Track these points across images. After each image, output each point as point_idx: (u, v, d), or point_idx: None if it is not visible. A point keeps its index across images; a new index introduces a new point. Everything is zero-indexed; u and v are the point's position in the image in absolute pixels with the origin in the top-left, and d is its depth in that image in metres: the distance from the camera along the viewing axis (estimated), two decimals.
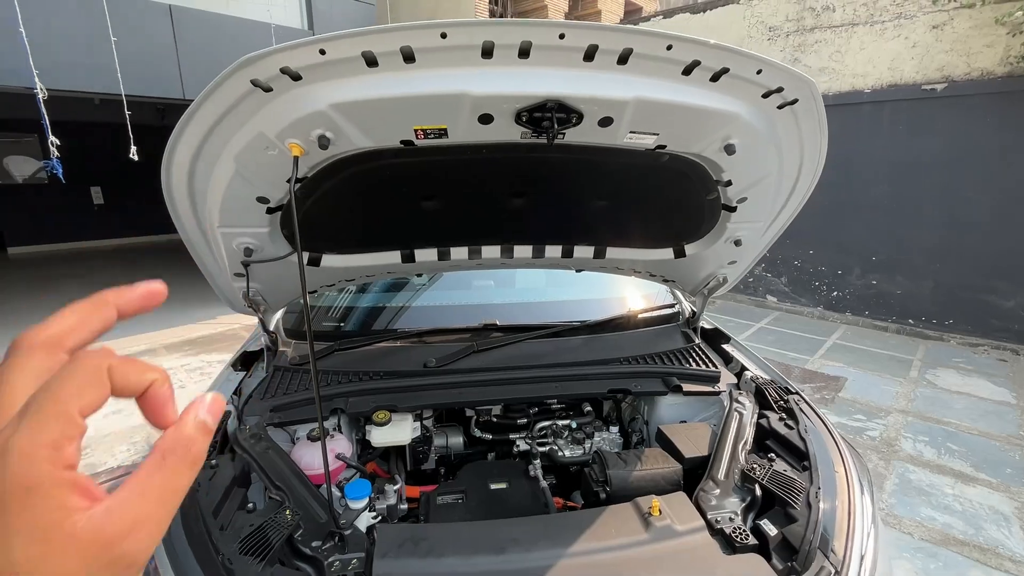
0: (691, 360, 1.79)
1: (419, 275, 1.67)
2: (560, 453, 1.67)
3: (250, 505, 1.16)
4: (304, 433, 1.48)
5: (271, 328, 1.75)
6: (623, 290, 2.18)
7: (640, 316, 2.02)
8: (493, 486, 1.51)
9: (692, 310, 2.09)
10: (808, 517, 1.12)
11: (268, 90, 0.91)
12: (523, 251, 1.59)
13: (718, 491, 1.26)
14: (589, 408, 1.80)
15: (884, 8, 5.05)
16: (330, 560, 1.04)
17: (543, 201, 1.39)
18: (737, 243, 1.58)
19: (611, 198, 1.39)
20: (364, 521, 1.23)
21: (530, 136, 1.03)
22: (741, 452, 1.39)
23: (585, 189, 1.35)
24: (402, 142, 1.03)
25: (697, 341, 1.92)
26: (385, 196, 1.28)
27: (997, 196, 4.68)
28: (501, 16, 8.40)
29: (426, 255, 1.55)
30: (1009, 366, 4.53)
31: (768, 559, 1.07)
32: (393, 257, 1.54)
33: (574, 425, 1.70)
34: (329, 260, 1.49)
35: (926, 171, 4.98)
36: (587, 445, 1.70)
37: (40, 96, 3.53)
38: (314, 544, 1.07)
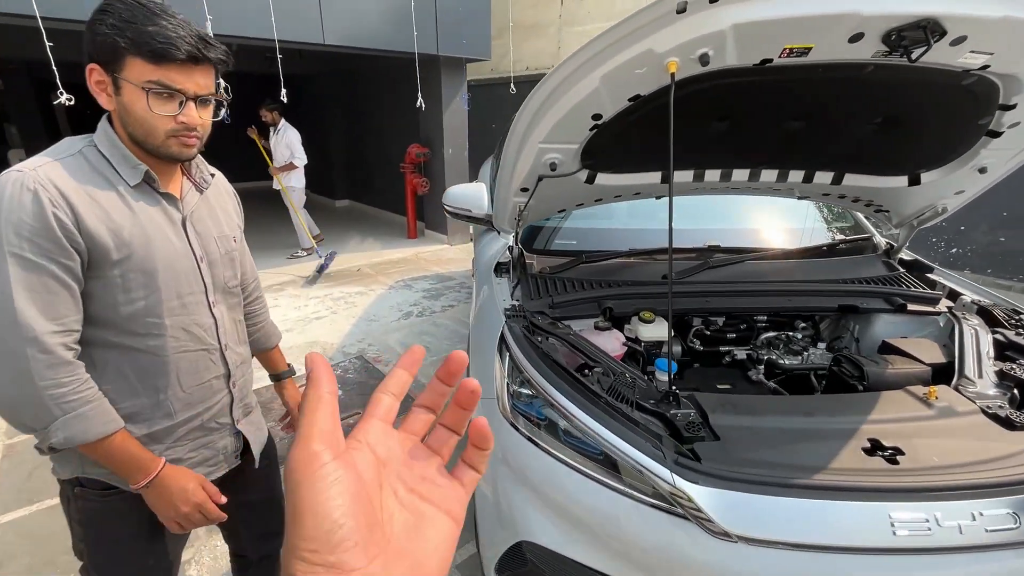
0: (901, 284, 1.91)
1: (659, 197, 1.85)
2: (781, 361, 1.86)
3: (586, 370, 1.42)
4: (578, 326, 1.73)
5: (517, 243, 2.00)
6: (820, 220, 2.30)
7: (841, 246, 2.14)
8: (720, 386, 1.74)
9: (888, 243, 2.19)
10: None
11: (682, 11, 1.08)
12: (768, 175, 1.73)
13: (976, 387, 1.42)
14: (803, 324, 1.97)
15: None
16: (671, 412, 1.28)
17: (820, 124, 1.51)
18: (982, 171, 1.66)
19: (887, 121, 1.50)
20: None
21: (881, 56, 1.15)
22: (987, 358, 1.53)
23: (869, 111, 1.46)
24: (762, 60, 1.19)
25: (901, 270, 2.03)
26: (693, 114, 1.45)
27: None
28: None
29: (684, 176, 1.72)
30: None
31: None
32: (654, 177, 1.72)
33: (799, 336, 1.88)
34: (602, 179, 1.69)
35: None
36: (803, 356, 1.89)
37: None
38: (651, 401, 1.32)
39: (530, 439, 1.26)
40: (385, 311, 4.44)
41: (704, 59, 1.15)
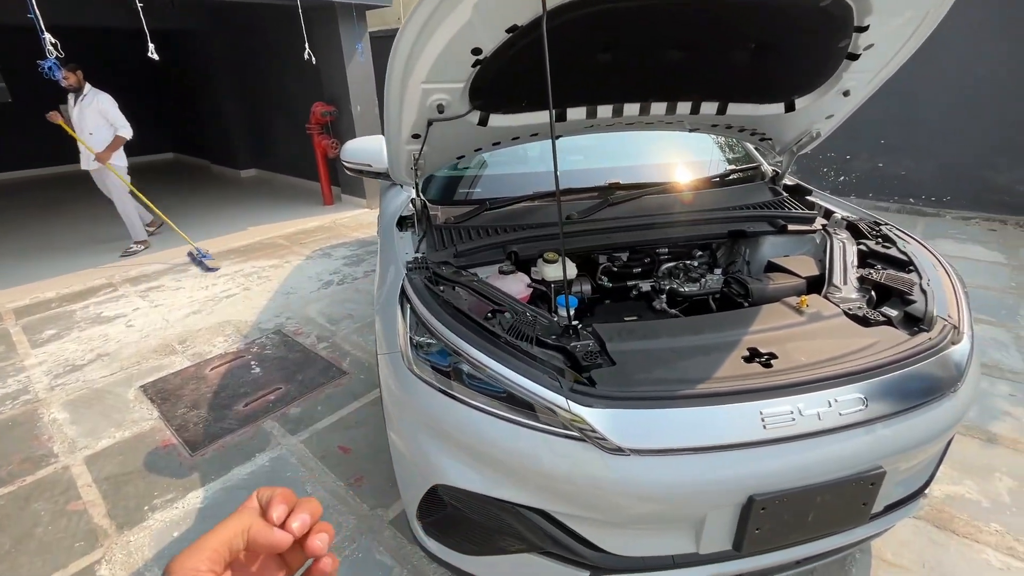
0: (784, 208, 2.05)
1: (557, 136, 1.83)
2: (682, 289, 1.97)
3: (488, 313, 1.42)
4: (484, 272, 1.72)
5: (419, 195, 1.93)
6: (713, 153, 2.39)
7: (732, 176, 2.25)
8: (627, 318, 1.81)
9: (774, 170, 2.33)
10: (925, 298, 1.44)
11: None
12: (658, 108, 1.76)
13: (841, 292, 1.57)
14: (700, 253, 2.08)
15: None
16: (571, 345, 1.32)
17: (697, 53, 1.54)
18: (846, 94, 1.77)
19: (755, 47, 1.55)
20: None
21: None
22: (851, 267, 1.69)
23: (738, 37, 1.50)
24: None
25: (784, 194, 2.18)
26: (573, 47, 1.42)
27: (1008, 71, 4.87)
28: None
29: (576, 114, 1.71)
30: (999, 234, 5.00)
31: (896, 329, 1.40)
32: (547, 116, 1.70)
33: (696, 264, 1.99)
34: (495, 120, 1.65)
35: (943, 48, 5.10)
36: (701, 283, 2.00)
37: None
38: (553, 337, 1.35)
39: (434, 386, 1.25)
40: (303, 282, 4.23)
41: None
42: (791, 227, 1.92)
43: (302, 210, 6.36)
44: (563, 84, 1.60)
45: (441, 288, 1.47)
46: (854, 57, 1.62)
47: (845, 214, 2.03)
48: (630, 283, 2.05)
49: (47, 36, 3.10)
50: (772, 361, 1.26)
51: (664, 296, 1.95)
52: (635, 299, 2.04)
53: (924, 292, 1.46)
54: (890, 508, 1.34)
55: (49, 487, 2.17)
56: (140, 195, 4.85)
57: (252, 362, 3.05)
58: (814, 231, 1.94)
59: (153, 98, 9.96)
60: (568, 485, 1.11)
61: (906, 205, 5.72)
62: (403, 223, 1.96)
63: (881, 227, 1.86)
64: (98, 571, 1.79)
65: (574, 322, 1.51)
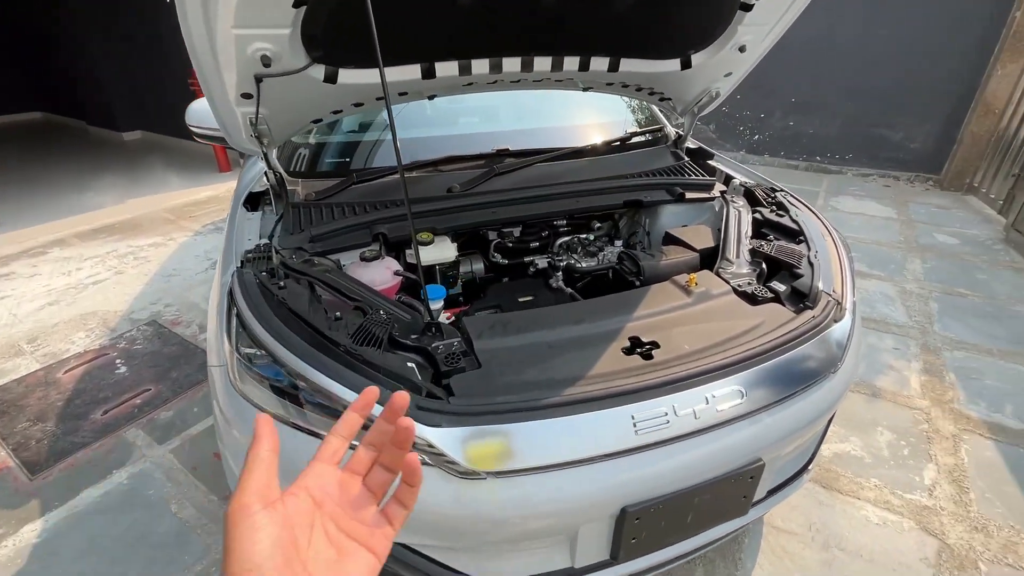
0: (685, 174, 1.94)
1: (431, 97, 1.59)
2: (578, 265, 1.83)
3: (336, 314, 1.20)
4: (347, 260, 1.49)
5: (273, 167, 1.64)
6: (611, 115, 2.23)
7: (633, 140, 2.11)
8: (521, 299, 1.66)
9: (677, 132, 2.21)
10: (812, 272, 1.37)
11: None
12: (543, 64, 1.55)
13: (733, 267, 1.49)
14: (599, 224, 1.94)
15: None
16: (433, 345, 1.14)
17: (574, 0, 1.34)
18: (742, 49, 1.65)
19: None
20: (441, 319, 1.33)
21: None
22: (744, 238, 1.61)
23: None
24: None
25: (686, 159, 2.07)
26: None
27: (908, 29, 5.04)
28: None
29: (447, 69, 1.47)
30: (892, 190, 5.31)
31: (782, 306, 1.33)
32: (412, 72, 1.45)
33: (592, 238, 1.85)
34: (347, 76, 1.38)
35: (851, 6, 5.18)
36: (599, 257, 1.87)
37: None
38: (413, 336, 1.17)
39: (259, 408, 1.04)
40: (189, 262, 3.76)
41: None
42: (689, 195, 1.81)
43: (193, 178, 5.67)
44: (421, 33, 1.36)
45: (282, 284, 1.23)
46: (747, 8, 1.48)
47: (743, 179, 1.95)
48: (527, 259, 1.89)
49: None
50: (653, 352, 1.15)
51: (560, 273, 1.81)
52: (533, 276, 1.89)
53: (811, 265, 1.40)
54: (773, 491, 1.30)
55: None
56: None
57: (117, 360, 2.66)
58: (713, 198, 1.85)
59: (6, 40, 8.43)
60: (415, 515, 0.95)
61: (813, 163, 5.94)
62: (254, 201, 1.67)
63: (776, 194, 1.80)
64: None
65: (446, 315, 1.33)
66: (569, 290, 1.76)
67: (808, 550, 1.69)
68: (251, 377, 1.07)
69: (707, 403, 1.04)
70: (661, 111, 2.25)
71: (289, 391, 1.03)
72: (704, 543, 1.23)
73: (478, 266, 1.85)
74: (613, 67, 1.65)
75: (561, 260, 1.86)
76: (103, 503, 1.88)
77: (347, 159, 1.83)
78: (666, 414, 1.01)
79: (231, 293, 1.20)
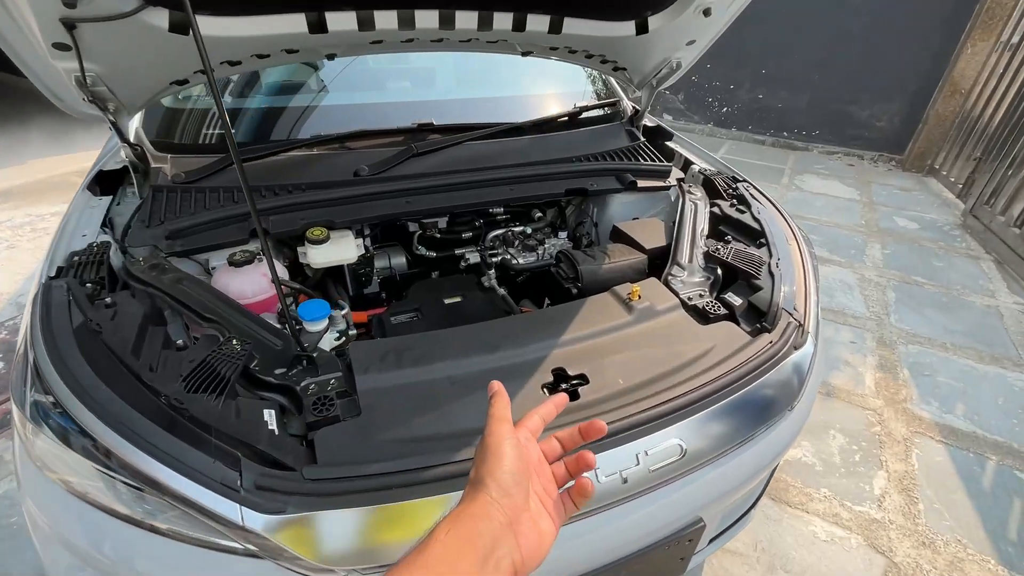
0: (639, 157, 1.71)
1: (330, 57, 1.28)
2: (515, 261, 1.60)
3: (179, 342, 0.93)
4: (219, 262, 1.21)
5: (131, 138, 1.31)
6: (562, 85, 1.95)
7: (584, 116, 1.85)
8: (447, 301, 1.42)
9: (634, 107, 1.96)
10: (772, 285, 1.18)
11: None
12: (467, 20, 1.26)
13: (684, 273, 1.28)
14: (540, 214, 1.70)
15: None
16: (304, 384, 0.90)
17: None
18: (706, 12, 1.39)
19: None
20: (327, 343, 1.09)
21: None
22: (700, 238, 1.41)
23: None
24: None
25: (642, 139, 1.83)
26: None
27: (878, 4, 4.85)
28: None
29: (341, 22, 1.16)
30: (855, 169, 5.24)
31: (737, 324, 1.14)
32: (296, 24, 1.14)
33: (529, 231, 1.61)
34: (208, 26, 1.06)
35: None
36: (540, 251, 1.64)
37: None
38: (278, 372, 0.92)
39: (48, 474, 0.78)
40: None
41: None
42: (642, 183, 1.58)
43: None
44: None
45: (109, 302, 0.95)
46: None
47: (704, 166, 1.73)
48: (458, 251, 1.64)
49: None
50: (580, 389, 0.94)
51: (493, 271, 1.57)
52: (464, 272, 1.64)
53: (772, 276, 1.21)
54: (713, 539, 1.14)
55: None
56: None
57: None
58: (668, 187, 1.63)
59: None
60: None
61: (780, 139, 5.81)
62: (105, 181, 1.34)
63: (738, 185, 1.59)
64: None
65: (334, 336, 1.08)
66: (502, 291, 1.54)
67: (752, 573, 1.58)
68: (45, 436, 0.80)
69: (638, 462, 0.84)
70: (617, 82, 1.99)
71: (97, 460, 0.77)
72: None
73: (398, 260, 1.59)
74: (555, 28, 1.37)
75: (495, 255, 1.62)
76: None
77: (239, 130, 1.50)
78: None
79: (33, 315, 0.91)
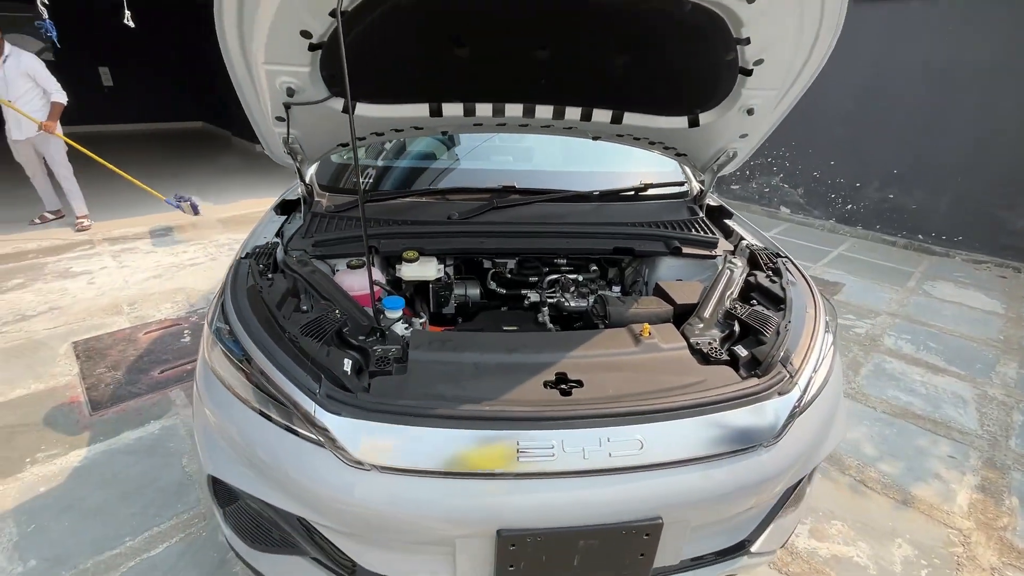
0: (693, 229, 1.93)
1: (445, 133, 1.77)
2: (567, 304, 1.87)
3: (304, 308, 1.37)
4: (341, 265, 1.68)
5: (307, 180, 1.90)
6: (635, 165, 2.27)
7: (650, 191, 2.14)
8: (505, 328, 1.74)
9: (700, 188, 2.20)
10: (775, 341, 1.31)
11: None
12: (544, 112, 1.67)
13: (702, 325, 1.46)
14: (595, 268, 1.98)
15: None
16: (373, 348, 1.27)
17: (566, 54, 1.45)
18: (750, 112, 1.64)
19: (632, 53, 1.45)
20: (398, 329, 1.46)
21: None
22: (727, 300, 1.57)
23: (606, 40, 1.40)
24: None
25: (701, 215, 2.05)
26: (420, 37, 1.35)
27: None
28: None
29: (453, 110, 1.64)
30: (1008, 282, 4.64)
31: (735, 371, 1.28)
32: (422, 110, 1.64)
33: (580, 279, 1.89)
34: (362, 109, 1.60)
35: (965, 78, 4.75)
36: (591, 299, 1.90)
37: None
38: (360, 337, 1.30)
39: (211, 369, 1.22)
40: None
41: None
42: (687, 250, 1.80)
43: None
44: (426, 76, 1.54)
45: (270, 277, 1.43)
46: (747, 72, 1.49)
47: (754, 242, 1.89)
48: (523, 291, 1.97)
49: None
50: (574, 390, 1.18)
51: (547, 309, 1.87)
52: (526, 309, 1.96)
53: (778, 334, 1.34)
54: (696, 560, 1.24)
55: None
56: (99, 159, 4.63)
57: (186, 331, 3.10)
58: (713, 256, 1.82)
59: (179, 60, 10.32)
60: (309, 493, 1.06)
61: (914, 241, 5.38)
62: (285, 206, 1.93)
63: (777, 259, 1.73)
64: None
65: (404, 325, 1.45)
66: (551, 326, 1.81)
67: None
68: (218, 349, 1.26)
69: (600, 445, 1.04)
70: (684, 166, 2.26)
71: (242, 362, 1.21)
72: None
73: (473, 291, 1.96)
74: (616, 119, 1.72)
75: (552, 297, 1.92)
76: (134, 446, 2.20)
77: (369, 180, 2.06)
78: (552, 447, 1.03)
79: (227, 277, 1.43)
